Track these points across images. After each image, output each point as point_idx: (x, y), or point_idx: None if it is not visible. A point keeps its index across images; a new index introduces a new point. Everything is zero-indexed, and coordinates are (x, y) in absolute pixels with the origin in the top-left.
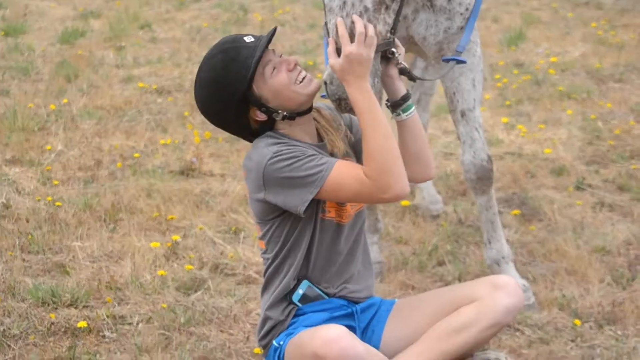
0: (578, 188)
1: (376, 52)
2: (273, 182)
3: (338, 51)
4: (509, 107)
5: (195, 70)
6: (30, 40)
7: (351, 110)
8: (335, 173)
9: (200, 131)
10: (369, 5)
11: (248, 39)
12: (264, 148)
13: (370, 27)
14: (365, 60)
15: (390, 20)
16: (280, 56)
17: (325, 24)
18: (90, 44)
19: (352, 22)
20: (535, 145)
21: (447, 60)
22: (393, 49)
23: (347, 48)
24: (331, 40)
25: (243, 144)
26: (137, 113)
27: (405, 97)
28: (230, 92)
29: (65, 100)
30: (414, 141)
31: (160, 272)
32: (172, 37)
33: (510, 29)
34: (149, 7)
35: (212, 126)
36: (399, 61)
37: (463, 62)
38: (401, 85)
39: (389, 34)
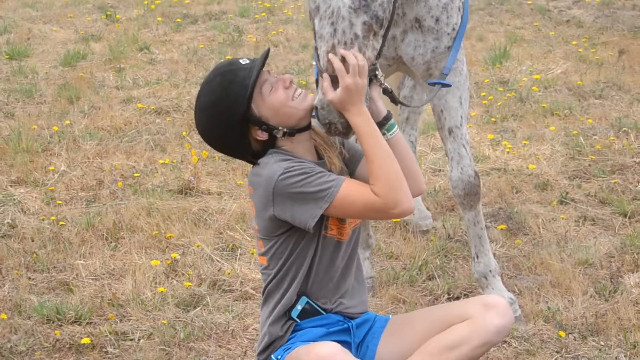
0: (562, 202)
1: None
2: (283, 198)
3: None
4: (495, 123)
5: (193, 90)
6: (34, 63)
7: (340, 134)
8: (344, 190)
9: (198, 150)
10: (359, 32)
11: (244, 62)
12: (274, 164)
13: (360, 56)
14: (362, 87)
15: (377, 46)
16: (276, 76)
17: (316, 48)
18: (91, 66)
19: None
20: (520, 161)
21: (433, 84)
22: (376, 72)
23: (346, 80)
24: (326, 76)
25: (239, 162)
26: (136, 133)
27: (387, 117)
28: (231, 114)
29: (67, 122)
30: (401, 159)
31: (161, 289)
32: (169, 58)
33: (494, 47)
34: (148, 29)
35: (209, 145)
36: (382, 82)
37: (448, 85)
38: (382, 106)
39: (375, 60)
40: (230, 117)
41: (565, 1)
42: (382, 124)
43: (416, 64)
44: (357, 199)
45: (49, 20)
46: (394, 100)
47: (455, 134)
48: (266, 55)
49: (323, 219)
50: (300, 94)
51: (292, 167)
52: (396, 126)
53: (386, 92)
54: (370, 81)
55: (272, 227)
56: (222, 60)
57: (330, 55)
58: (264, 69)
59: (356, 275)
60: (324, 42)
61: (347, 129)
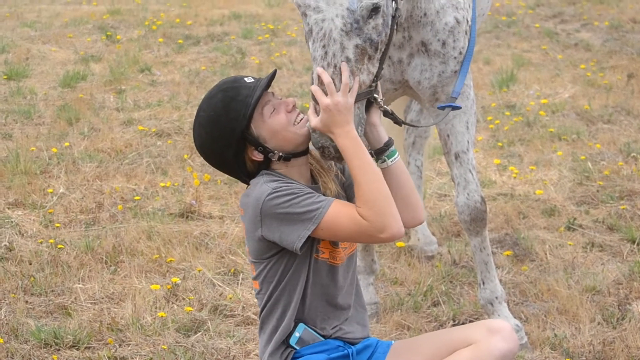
0: (569, 228)
1: (359, 100)
2: (270, 218)
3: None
4: (501, 148)
5: (194, 113)
6: (33, 84)
7: (334, 158)
8: (332, 211)
9: (200, 174)
10: (351, 55)
11: (248, 80)
12: (263, 185)
13: (344, 75)
14: (344, 107)
15: (374, 70)
16: (280, 98)
17: (312, 72)
18: (91, 88)
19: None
20: (527, 186)
21: (443, 108)
22: (375, 95)
23: (323, 101)
24: (310, 104)
25: (242, 186)
26: (137, 156)
27: (388, 144)
28: (229, 131)
29: (66, 144)
30: (400, 186)
31: (161, 313)
32: (171, 80)
33: (501, 71)
34: (149, 50)
35: (211, 169)
36: (381, 105)
37: (458, 107)
38: (383, 132)
39: (373, 83)
40: (228, 134)
41: (573, 24)
42: (383, 150)
43: (422, 88)
44: (345, 222)
45: (48, 40)
46: (397, 122)
47: (461, 159)
48: (272, 76)
49: (314, 242)
50: (301, 119)
51: (281, 187)
52: (397, 153)
53: (387, 114)
54: (370, 104)
55: (261, 249)
56: (220, 80)
57: (311, 87)
58: (268, 90)
59: (355, 302)
60: (316, 64)
61: (340, 154)
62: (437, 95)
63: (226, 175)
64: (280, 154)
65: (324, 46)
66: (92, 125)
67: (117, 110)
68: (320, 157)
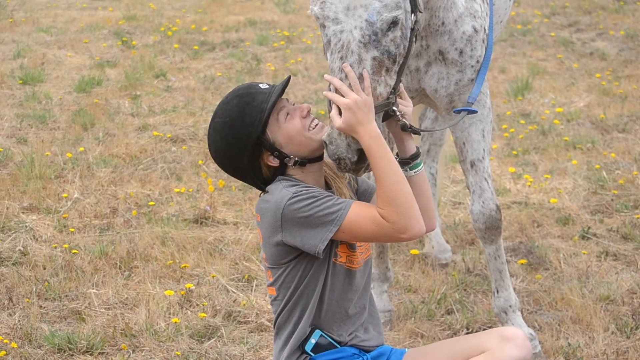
0: (583, 237)
1: (377, 112)
2: (291, 223)
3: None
4: (516, 156)
5: (209, 119)
6: (48, 88)
7: (350, 170)
8: (353, 213)
9: (214, 180)
10: (368, 67)
11: (263, 86)
12: (283, 190)
13: (350, 75)
14: (364, 104)
15: (391, 82)
16: (294, 104)
17: (330, 85)
18: (106, 93)
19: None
20: (542, 194)
21: (459, 112)
22: (394, 107)
23: (342, 100)
24: (333, 106)
25: (256, 192)
26: (152, 161)
27: (414, 156)
28: (244, 137)
29: (81, 149)
30: (419, 196)
31: (174, 319)
32: (186, 86)
33: (517, 79)
34: (164, 56)
35: (225, 175)
36: (400, 118)
37: (474, 112)
38: (411, 144)
39: (390, 95)
40: (243, 140)
41: (589, 33)
42: (408, 162)
43: (439, 96)
44: (366, 223)
45: (64, 45)
46: (416, 132)
47: (477, 167)
48: (286, 82)
49: (332, 246)
50: (316, 124)
51: (300, 191)
52: (422, 164)
53: (405, 128)
54: (388, 117)
55: (279, 254)
56: (235, 86)
57: (324, 93)
58: (282, 97)
59: (369, 309)
60: (334, 75)
61: (357, 165)
62: (453, 104)
63: (240, 182)
64: (296, 159)
65: (341, 57)
66: (107, 131)
67: (132, 115)
68: (333, 163)
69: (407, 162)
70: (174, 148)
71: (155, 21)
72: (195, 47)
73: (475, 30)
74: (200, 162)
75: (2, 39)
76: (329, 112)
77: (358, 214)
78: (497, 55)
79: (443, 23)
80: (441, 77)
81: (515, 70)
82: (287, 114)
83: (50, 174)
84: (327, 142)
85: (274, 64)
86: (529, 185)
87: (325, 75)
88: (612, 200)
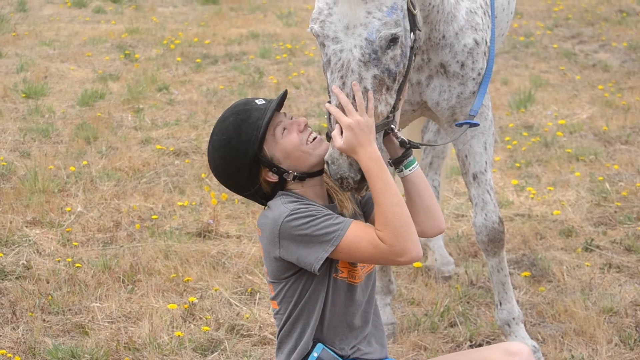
0: (586, 249)
1: (377, 132)
2: (288, 239)
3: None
4: (519, 169)
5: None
6: (51, 102)
7: (352, 189)
8: (350, 234)
9: (217, 193)
10: (369, 86)
11: (259, 102)
12: (281, 206)
13: (358, 95)
14: (366, 126)
15: (392, 101)
16: (291, 118)
17: (329, 101)
18: (109, 106)
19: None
20: (545, 206)
21: (461, 125)
22: (392, 125)
23: (345, 120)
24: (336, 126)
25: (259, 206)
26: (155, 175)
27: (406, 154)
28: (242, 154)
29: (84, 162)
30: (420, 196)
31: (178, 333)
32: (189, 99)
33: (519, 91)
34: (167, 69)
35: (220, 183)
36: (398, 135)
37: (476, 125)
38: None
39: (390, 114)
40: (241, 157)
41: (591, 45)
42: (401, 159)
43: (441, 109)
44: (364, 245)
45: (67, 58)
46: (415, 147)
47: (479, 180)
48: (282, 96)
49: (333, 262)
50: (314, 138)
51: (299, 209)
52: (416, 162)
53: (403, 144)
54: (386, 134)
55: (279, 269)
56: (238, 99)
57: (327, 105)
58: (280, 111)
59: (374, 322)
60: (334, 95)
61: (359, 184)
62: (455, 116)
63: None
64: (295, 173)
65: (342, 77)
66: (110, 144)
67: (135, 129)
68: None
69: (400, 160)
70: (177, 161)
71: (157, 34)
72: (198, 60)
73: (477, 43)
74: (203, 175)
75: (5, 52)
76: (328, 122)
77: (356, 235)
78: (500, 67)
79: (444, 36)
80: (442, 90)
81: (517, 82)
82: (284, 129)
83: (54, 187)
84: (329, 162)
85: (277, 76)
86: (532, 198)
87: (334, 88)
88: (615, 212)
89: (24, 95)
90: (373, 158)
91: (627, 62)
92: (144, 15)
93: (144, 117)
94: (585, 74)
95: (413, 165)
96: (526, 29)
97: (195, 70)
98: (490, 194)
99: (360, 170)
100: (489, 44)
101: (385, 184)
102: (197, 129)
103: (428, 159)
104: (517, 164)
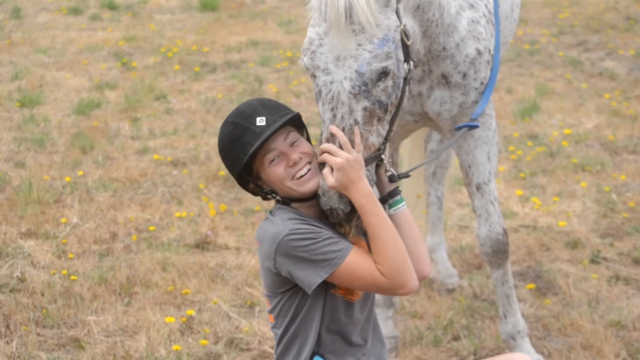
0: (593, 261)
1: (369, 164)
2: (285, 257)
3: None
4: (524, 179)
5: (211, 141)
6: (46, 111)
7: (342, 220)
8: (349, 262)
9: (216, 204)
10: (359, 118)
11: (259, 121)
12: (281, 223)
13: (340, 134)
14: (355, 162)
15: (383, 132)
16: (293, 143)
17: (322, 133)
18: (105, 115)
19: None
20: (550, 217)
21: (459, 128)
22: (383, 156)
23: (335, 160)
24: (326, 166)
25: (258, 217)
26: (152, 185)
27: (392, 193)
28: (231, 165)
29: (80, 172)
30: (403, 238)
31: (175, 347)
32: (187, 108)
33: (524, 100)
34: (165, 77)
35: (227, 199)
36: (388, 168)
37: (475, 126)
38: (387, 183)
39: (382, 146)
40: (231, 166)
41: (598, 53)
42: (385, 199)
43: (442, 119)
44: (362, 275)
45: (62, 67)
46: (405, 177)
47: (483, 190)
48: (286, 121)
49: None
50: (302, 175)
51: (299, 229)
52: (403, 203)
53: (393, 179)
54: (377, 167)
55: (275, 283)
56: (250, 99)
57: (334, 130)
58: (283, 128)
59: (373, 337)
60: (325, 126)
61: (349, 215)
62: (457, 125)
63: (243, 206)
64: (279, 198)
65: (332, 109)
66: (107, 154)
67: (132, 138)
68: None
69: (384, 199)
70: (175, 171)
71: (155, 42)
72: (197, 69)
73: (479, 53)
74: (201, 185)
75: None
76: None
77: (355, 264)
78: (504, 75)
79: (444, 48)
80: (444, 100)
81: (522, 91)
82: (274, 157)
83: (49, 198)
84: (320, 194)
85: (277, 85)
86: (537, 209)
87: (331, 127)
88: (622, 223)
89: (18, 104)
90: (365, 194)
91: (634, 70)
92: (141, 23)
93: (141, 127)
94: (591, 82)
95: (398, 206)
96: (531, 36)
97: (194, 79)
98: (494, 205)
99: (350, 203)
100: (492, 52)
101: (379, 219)
102: (196, 138)
103: (431, 169)
104: (522, 174)
